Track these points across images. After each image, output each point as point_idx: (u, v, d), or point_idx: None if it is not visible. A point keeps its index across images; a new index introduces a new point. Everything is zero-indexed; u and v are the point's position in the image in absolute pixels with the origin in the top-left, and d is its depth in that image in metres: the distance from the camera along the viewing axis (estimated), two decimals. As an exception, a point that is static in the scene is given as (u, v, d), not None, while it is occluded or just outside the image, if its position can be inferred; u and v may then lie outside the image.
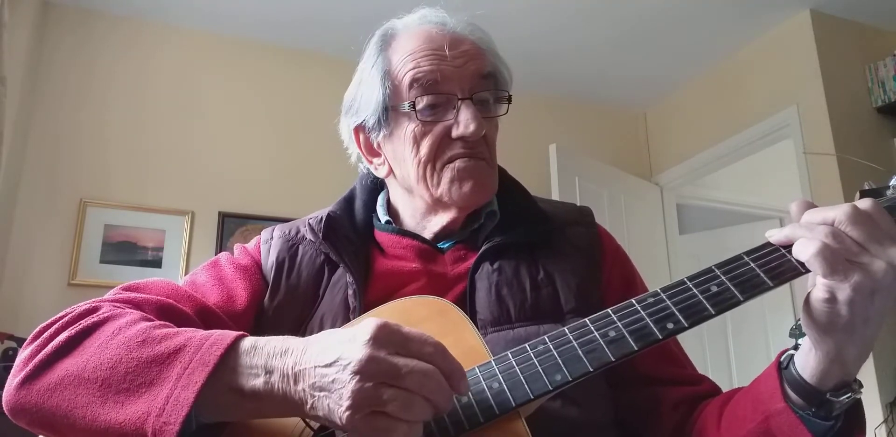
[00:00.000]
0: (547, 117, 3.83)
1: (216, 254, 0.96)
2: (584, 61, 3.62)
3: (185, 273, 2.85)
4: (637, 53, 3.54)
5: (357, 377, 0.54)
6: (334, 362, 0.55)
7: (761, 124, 3.34)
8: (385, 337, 0.56)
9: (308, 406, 0.57)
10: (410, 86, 0.84)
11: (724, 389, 0.83)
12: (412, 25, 0.90)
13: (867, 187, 0.69)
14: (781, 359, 0.67)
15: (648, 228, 3.78)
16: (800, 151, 3.10)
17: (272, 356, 0.59)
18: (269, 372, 0.58)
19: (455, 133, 0.84)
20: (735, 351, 4.01)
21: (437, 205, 0.89)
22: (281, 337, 0.62)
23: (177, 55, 3.23)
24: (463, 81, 0.84)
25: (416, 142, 0.85)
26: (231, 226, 3.08)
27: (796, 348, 0.66)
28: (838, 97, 3.03)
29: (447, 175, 0.85)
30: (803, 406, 0.64)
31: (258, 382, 0.59)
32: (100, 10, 3.10)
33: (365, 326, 0.56)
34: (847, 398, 0.62)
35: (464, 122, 0.83)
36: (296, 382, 0.57)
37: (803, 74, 3.13)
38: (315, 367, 0.56)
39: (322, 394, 0.56)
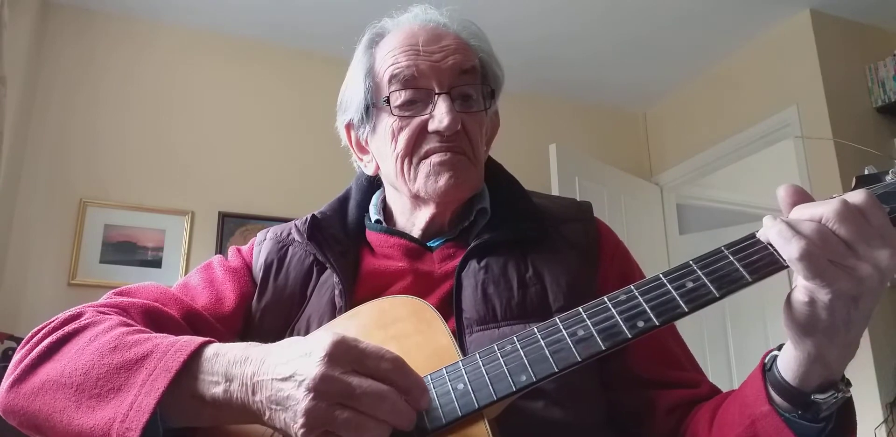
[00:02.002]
0: (547, 117, 3.82)
1: (216, 254, 0.96)
2: (583, 62, 3.61)
3: (185, 273, 2.85)
4: (637, 53, 3.53)
5: (311, 395, 0.54)
6: (290, 377, 0.55)
7: (761, 124, 3.33)
8: (341, 354, 0.56)
9: (266, 418, 0.57)
10: (389, 82, 0.85)
11: (725, 390, 0.81)
12: (402, 24, 0.90)
13: (867, 172, 0.65)
14: (766, 360, 0.65)
15: (648, 228, 3.78)
16: (800, 150, 3.09)
17: (232, 364, 0.59)
18: (228, 380, 0.59)
19: (431, 127, 0.83)
20: (735, 351, 4.00)
21: (417, 200, 0.89)
22: (244, 344, 0.62)
23: (178, 55, 3.23)
24: (441, 76, 0.84)
25: (395, 136, 0.85)
26: (231, 226, 3.08)
27: (780, 347, 0.64)
28: (838, 97, 3.02)
29: (423, 169, 0.85)
30: (788, 409, 0.61)
31: (218, 390, 0.59)
32: (100, 10, 3.10)
33: (321, 341, 0.56)
34: (833, 398, 0.60)
35: (438, 116, 0.82)
36: (253, 392, 0.58)
37: (803, 74, 3.12)
38: (272, 379, 0.57)
39: (278, 408, 0.56)
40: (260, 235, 0.96)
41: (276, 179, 3.20)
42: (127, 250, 2.91)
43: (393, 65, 0.85)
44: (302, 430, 0.54)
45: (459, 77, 0.85)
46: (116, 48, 3.11)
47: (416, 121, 0.84)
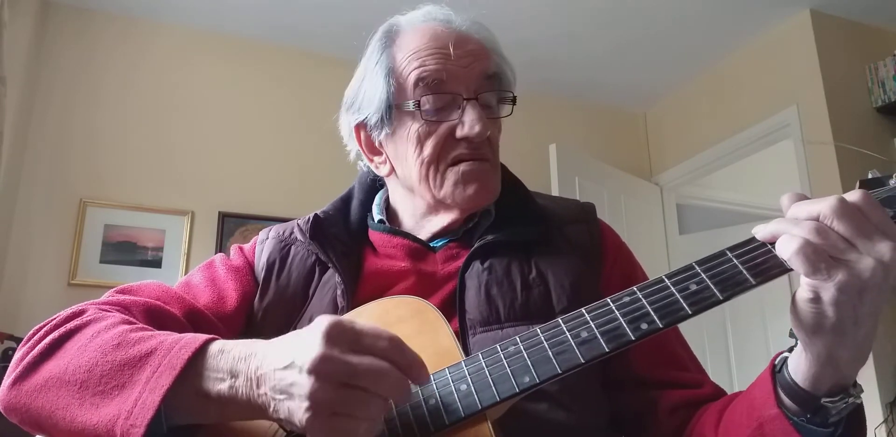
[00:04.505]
0: (547, 117, 3.82)
1: (216, 254, 0.96)
2: (584, 62, 3.61)
3: (185, 273, 2.85)
4: (637, 53, 3.53)
5: (313, 378, 0.53)
6: (290, 364, 0.55)
7: (761, 124, 3.33)
8: (337, 335, 0.55)
9: (271, 410, 0.57)
10: (415, 85, 0.83)
11: (726, 389, 0.81)
12: (416, 22, 0.88)
13: (870, 176, 0.65)
14: (776, 362, 0.64)
15: (648, 228, 3.78)
16: (800, 151, 3.10)
17: (237, 360, 0.59)
18: (234, 376, 0.59)
19: (460, 133, 0.83)
20: (735, 351, 4.00)
21: (438, 206, 0.88)
22: (249, 340, 0.62)
23: (178, 55, 3.23)
24: (469, 81, 0.84)
25: (420, 142, 0.84)
26: (231, 226, 3.08)
27: (791, 349, 0.62)
28: (838, 97, 3.02)
29: (451, 177, 0.84)
30: (798, 412, 0.60)
31: (223, 386, 0.59)
32: (100, 10, 3.10)
33: (317, 325, 0.56)
34: (844, 403, 0.59)
35: (469, 122, 0.82)
36: (258, 386, 0.57)
37: (803, 74, 3.12)
38: (274, 370, 0.56)
39: (283, 397, 0.55)
40: (262, 233, 0.95)
41: (276, 179, 3.20)
42: (127, 250, 2.91)
43: (420, 67, 0.83)
44: (308, 414, 0.53)
45: (484, 83, 0.85)
46: (116, 48, 3.11)
47: (444, 127, 0.83)
